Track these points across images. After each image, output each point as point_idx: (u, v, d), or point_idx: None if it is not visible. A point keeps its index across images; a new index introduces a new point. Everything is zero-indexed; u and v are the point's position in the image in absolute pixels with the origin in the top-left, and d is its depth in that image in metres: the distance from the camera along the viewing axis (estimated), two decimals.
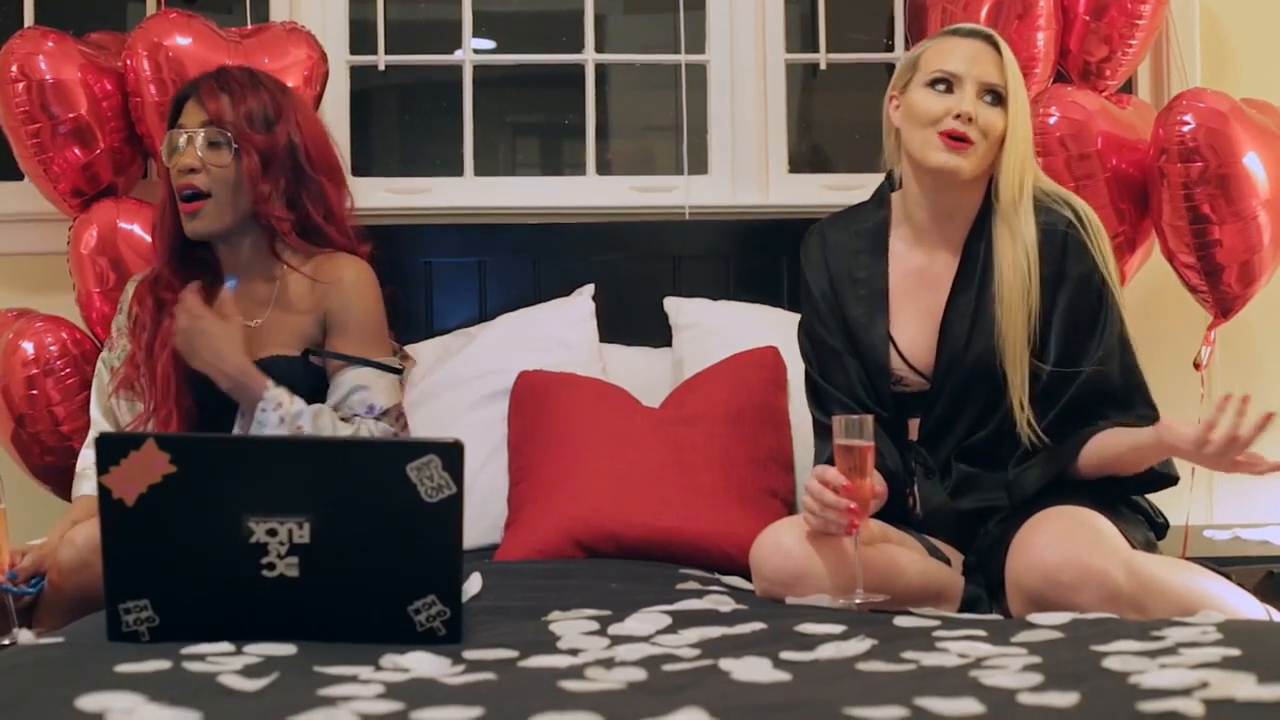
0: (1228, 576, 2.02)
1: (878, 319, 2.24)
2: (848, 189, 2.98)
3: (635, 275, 2.96)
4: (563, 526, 2.42)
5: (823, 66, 3.20)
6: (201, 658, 1.53)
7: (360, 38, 3.14)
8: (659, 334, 2.89)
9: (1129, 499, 2.18)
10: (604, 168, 3.27)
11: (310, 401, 2.35)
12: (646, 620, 1.77)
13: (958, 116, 2.14)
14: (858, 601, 1.95)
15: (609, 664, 1.52)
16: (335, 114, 3.03)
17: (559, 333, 2.80)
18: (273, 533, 1.61)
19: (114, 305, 2.64)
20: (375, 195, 3.06)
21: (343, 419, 2.36)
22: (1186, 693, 1.30)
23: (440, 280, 2.98)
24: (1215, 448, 1.90)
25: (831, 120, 3.59)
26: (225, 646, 1.57)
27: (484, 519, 2.54)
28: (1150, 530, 2.19)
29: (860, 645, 1.60)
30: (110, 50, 2.84)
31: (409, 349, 2.72)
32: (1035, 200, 2.19)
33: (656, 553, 2.38)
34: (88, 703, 1.32)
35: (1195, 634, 1.59)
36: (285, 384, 2.35)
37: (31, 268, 3.01)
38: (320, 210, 2.47)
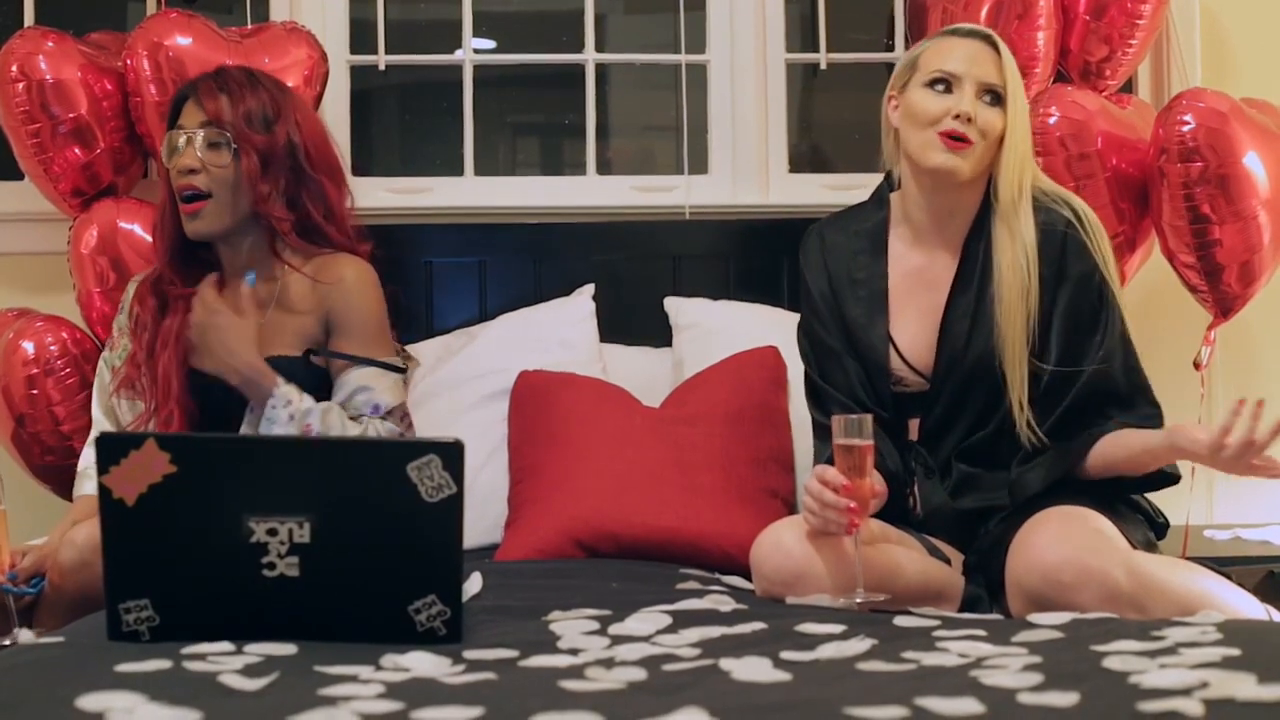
0: (1228, 576, 2.02)
1: (877, 319, 2.24)
2: (848, 189, 2.98)
3: (635, 275, 2.96)
4: (563, 526, 2.42)
5: (823, 66, 3.20)
6: (202, 657, 1.53)
7: (360, 37, 3.14)
8: (659, 334, 2.89)
9: (1129, 499, 2.18)
10: (604, 167, 3.26)
11: None
12: (647, 620, 1.77)
13: (957, 117, 2.13)
14: (858, 601, 1.95)
15: (609, 664, 1.52)
16: (335, 114, 3.03)
17: (559, 333, 2.80)
18: (273, 532, 1.61)
19: (114, 305, 2.65)
20: (375, 195, 3.06)
21: (350, 418, 2.37)
22: (1186, 693, 1.30)
23: (440, 280, 2.97)
24: (1231, 452, 1.91)
25: (831, 120, 3.59)
26: (225, 646, 1.57)
27: (484, 519, 2.54)
28: (1150, 530, 2.18)
29: (860, 645, 1.60)
30: (110, 50, 2.84)
31: (409, 349, 2.72)
32: (1034, 200, 2.19)
33: (657, 552, 2.38)
34: (88, 702, 1.32)
35: (1195, 634, 1.58)
36: None
37: (32, 267, 3.01)
38: (320, 210, 2.47)
